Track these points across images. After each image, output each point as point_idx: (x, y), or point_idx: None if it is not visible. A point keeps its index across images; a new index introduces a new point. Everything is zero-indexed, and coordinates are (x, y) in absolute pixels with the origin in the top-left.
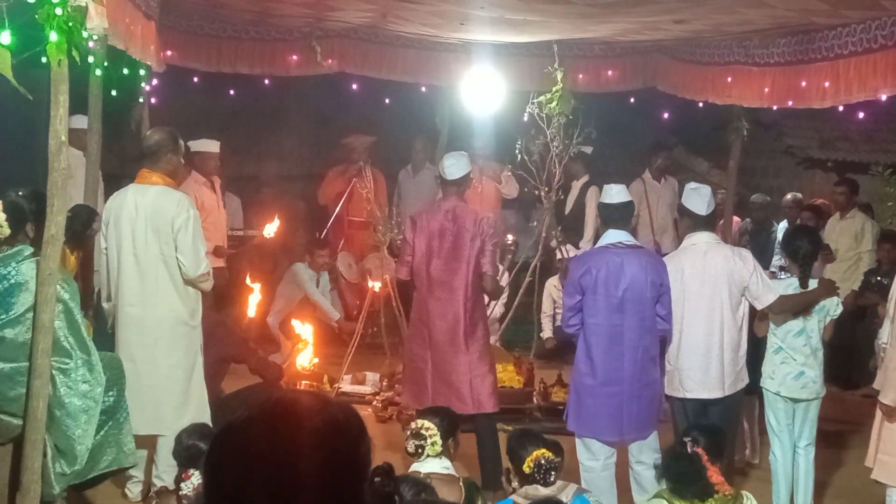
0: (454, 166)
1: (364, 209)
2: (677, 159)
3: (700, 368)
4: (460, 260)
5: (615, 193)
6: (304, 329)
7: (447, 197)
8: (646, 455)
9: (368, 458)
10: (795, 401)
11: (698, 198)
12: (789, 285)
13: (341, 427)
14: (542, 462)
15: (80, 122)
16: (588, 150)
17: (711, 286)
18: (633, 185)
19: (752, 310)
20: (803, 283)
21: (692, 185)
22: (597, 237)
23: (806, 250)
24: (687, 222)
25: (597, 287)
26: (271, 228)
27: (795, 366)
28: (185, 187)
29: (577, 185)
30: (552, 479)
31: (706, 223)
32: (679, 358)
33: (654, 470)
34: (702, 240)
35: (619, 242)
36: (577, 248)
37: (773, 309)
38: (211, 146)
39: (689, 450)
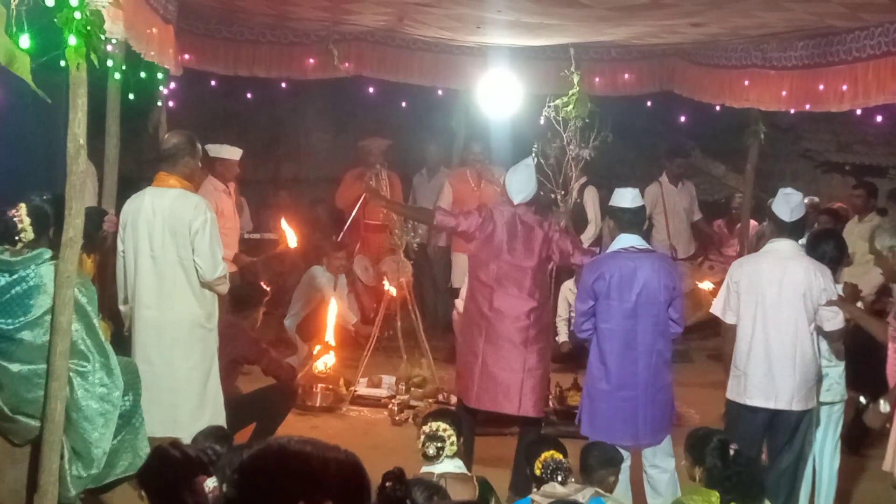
0: (520, 192)
1: (380, 212)
2: (694, 163)
3: (768, 376)
4: (531, 259)
5: (628, 197)
6: (326, 333)
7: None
8: (660, 459)
9: None
10: (819, 404)
11: (784, 203)
12: None
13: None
14: (550, 462)
15: None
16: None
17: (788, 295)
18: (650, 188)
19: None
20: None
21: (786, 190)
22: (601, 236)
23: (832, 254)
24: (771, 227)
25: (610, 292)
26: (293, 239)
27: None
28: (205, 193)
29: (575, 186)
30: (561, 478)
31: (790, 230)
32: (748, 363)
33: (668, 474)
34: (784, 247)
35: (632, 247)
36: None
37: (834, 337)
38: (234, 153)
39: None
